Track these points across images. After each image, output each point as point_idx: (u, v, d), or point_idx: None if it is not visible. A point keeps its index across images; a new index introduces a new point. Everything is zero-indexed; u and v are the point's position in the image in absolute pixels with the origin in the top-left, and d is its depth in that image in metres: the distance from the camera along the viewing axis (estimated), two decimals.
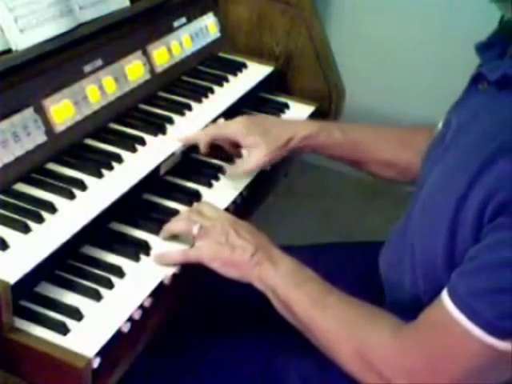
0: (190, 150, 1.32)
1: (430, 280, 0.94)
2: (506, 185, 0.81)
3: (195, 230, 1.07)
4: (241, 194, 1.27)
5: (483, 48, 0.99)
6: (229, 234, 1.05)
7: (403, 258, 0.99)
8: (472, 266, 0.84)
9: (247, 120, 1.28)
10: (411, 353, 0.88)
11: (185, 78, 1.51)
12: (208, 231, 1.06)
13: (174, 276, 1.06)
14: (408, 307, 0.98)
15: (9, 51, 1.11)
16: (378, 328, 0.92)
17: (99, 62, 1.28)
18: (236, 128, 1.26)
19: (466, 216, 0.85)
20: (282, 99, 1.61)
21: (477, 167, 0.85)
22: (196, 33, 1.57)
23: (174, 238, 1.11)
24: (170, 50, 1.47)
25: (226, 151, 1.32)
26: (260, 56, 1.67)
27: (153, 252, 1.08)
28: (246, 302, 1.16)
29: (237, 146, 1.29)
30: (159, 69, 1.44)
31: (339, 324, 0.95)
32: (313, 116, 1.58)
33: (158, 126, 1.30)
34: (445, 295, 0.85)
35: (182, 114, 1.37)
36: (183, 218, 1.11)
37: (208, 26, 1.62)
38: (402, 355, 0.89)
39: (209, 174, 1.29)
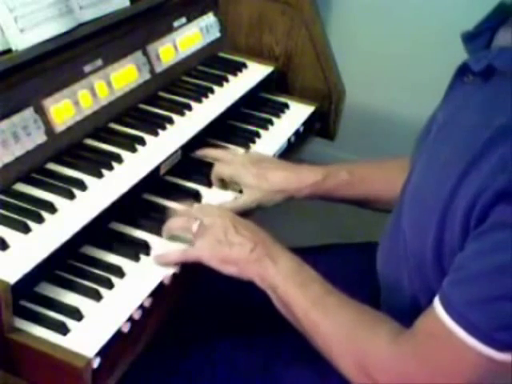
0: (190, 149, 1.32)
1: (421, 279, 0.92)
2: (492, 183, 0.78)
3: (195, 227, 1.06)
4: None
5: (470, 38, 0.96)
6: (227, 232, 1.04)
7: (399, 255, 0.97)
8: (464, 275, 0.82)
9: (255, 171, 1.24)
10: (407, 361, 0.86)
11: (185, 78, 1.51)
12: (207, 229, 1.05)
13: (174, 276, 1.05)
14: (406, 307, 0.97)
15: (9, 51, 1.11)
16: (377, 334, 0.90)
17: (99, 62, 1.28)
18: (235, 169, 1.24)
19: (456, 212, 0.84)
20: (281, 99, 1.61)
21: (469, 159, 0.83)
22: (196, 33, 1.57)
23: (175, 237, 1.11)
24: (170, 50, 1.47)
25: None
26: (260, 56, 1.67)
27: (153, 252, 1.08)
28: (246, 307, 1.16)
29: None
30: (159, 69, 1.44)
31: (338, 328, 0.94)
32: (313, 116, 1.58)
33: (158, 126, 1.30)
34: (438, 304, 0.83)
35: (182, 114, 1.37)
36: (183, 214, 1.11)
37: (208, 26, 1.62)
38: (398, 363, 0.87)
39: (209, 174, 1.28)
